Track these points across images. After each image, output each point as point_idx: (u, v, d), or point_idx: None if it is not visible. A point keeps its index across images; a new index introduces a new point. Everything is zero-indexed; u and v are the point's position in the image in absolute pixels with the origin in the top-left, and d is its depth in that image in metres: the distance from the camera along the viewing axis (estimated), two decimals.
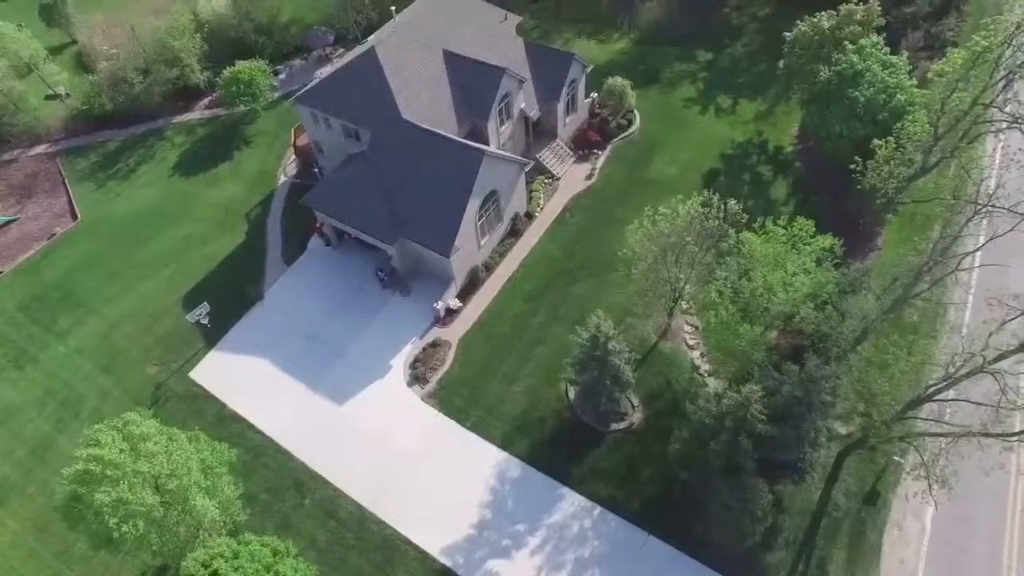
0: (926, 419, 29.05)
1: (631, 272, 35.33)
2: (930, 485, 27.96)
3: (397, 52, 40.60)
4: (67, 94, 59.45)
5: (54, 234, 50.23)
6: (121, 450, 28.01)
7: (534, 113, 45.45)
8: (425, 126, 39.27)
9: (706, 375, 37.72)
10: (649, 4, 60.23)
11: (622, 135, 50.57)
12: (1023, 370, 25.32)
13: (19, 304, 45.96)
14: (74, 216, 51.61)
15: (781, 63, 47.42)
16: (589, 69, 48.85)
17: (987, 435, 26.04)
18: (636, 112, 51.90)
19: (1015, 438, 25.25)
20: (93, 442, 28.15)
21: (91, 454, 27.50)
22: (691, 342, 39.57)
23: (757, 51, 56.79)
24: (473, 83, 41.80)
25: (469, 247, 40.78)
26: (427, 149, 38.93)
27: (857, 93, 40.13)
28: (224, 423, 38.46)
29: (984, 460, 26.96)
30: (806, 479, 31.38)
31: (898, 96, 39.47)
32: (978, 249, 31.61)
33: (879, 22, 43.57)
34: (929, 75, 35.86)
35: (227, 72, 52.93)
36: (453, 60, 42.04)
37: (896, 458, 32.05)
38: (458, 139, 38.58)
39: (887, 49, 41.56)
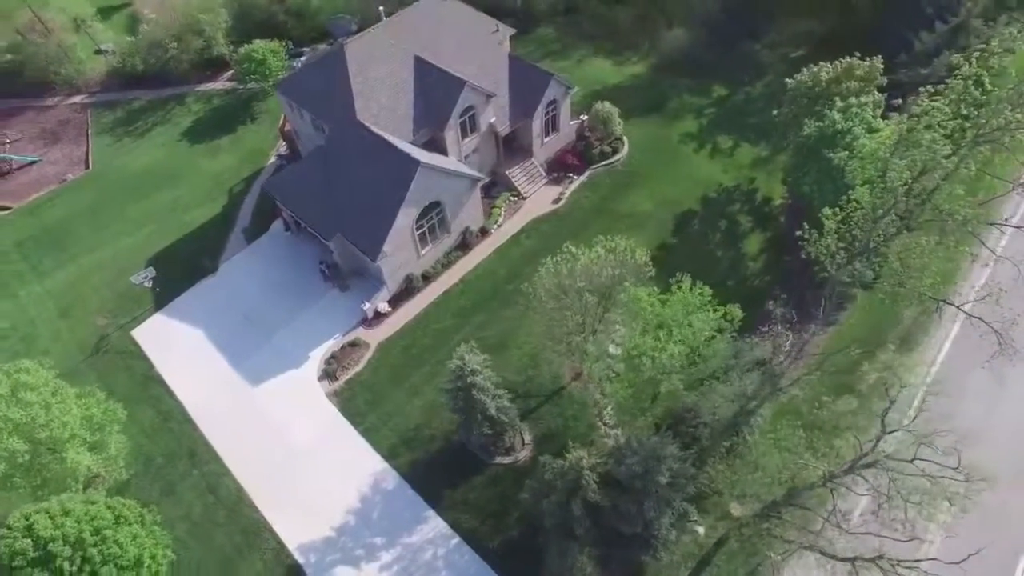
0: (783, 520, 26.73)
1: (542, 306, 34.34)
2: None
3: (366, 53, 40.95)
4: (113, 51, 63.71)
5: (65, 180, 54.24)
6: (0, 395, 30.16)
7: (503, 129, 44.73)
8: (376, 130, 39.53)
9: (607, 424, 36.29)
10: (676, 32, 57.71)
11: (604, 162, 48.94)
12: (864, 492, 22.79)
13: (16, 241, 49.80)
14: (87, 165, 55.48)
15: (775, 111, 44.53)
16: (574, 91, 47.58)
17: (823, 553, 23.80)
18: (625, 140, 50.13)
19: (849, 563, 22.82)
20: None
21: None
22: (607, 388, 38.09)
23: (776, 93, 53.05)
24: (436, 92, 41.61)
25: (404, 254, 40.84)
26: (372, 152, 39.21)
27: (832, 155, 37.12)
28: (148, 383, 40.49)
29: None
30: (660, 557, 29.67)
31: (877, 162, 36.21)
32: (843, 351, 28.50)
33: (881, 80, 39.96)
34: (866, 148, 32.62)
35: (243, 49, 55.27)
36: (422, 67, 41.97)
37: (773, 555, 29.79)
38: (400, 146, 38.50)
39: (879, 111, 38.20)
